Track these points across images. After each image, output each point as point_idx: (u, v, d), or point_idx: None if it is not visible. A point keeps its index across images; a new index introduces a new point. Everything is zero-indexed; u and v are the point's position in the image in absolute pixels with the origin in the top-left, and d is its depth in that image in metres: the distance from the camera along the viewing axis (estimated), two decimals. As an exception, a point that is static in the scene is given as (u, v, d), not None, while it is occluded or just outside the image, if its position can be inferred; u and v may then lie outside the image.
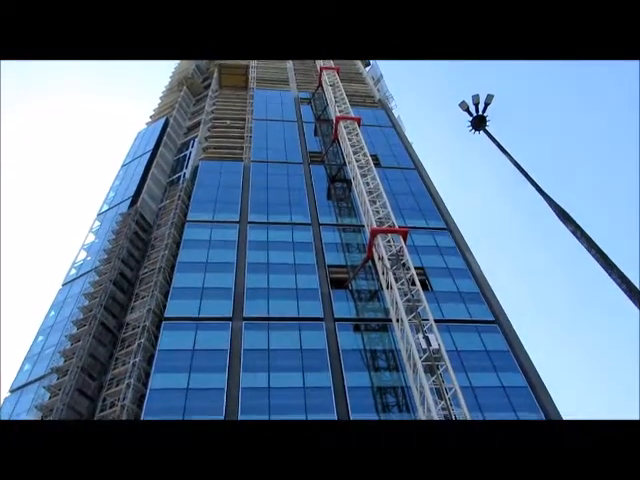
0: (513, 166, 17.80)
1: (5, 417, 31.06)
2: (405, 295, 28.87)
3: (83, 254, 45.10)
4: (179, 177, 49.93)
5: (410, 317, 27.39)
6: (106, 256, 38.46)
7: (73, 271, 43.32)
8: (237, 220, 41.63)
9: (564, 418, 28.08)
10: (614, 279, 12.89)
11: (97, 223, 48.85)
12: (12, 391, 33.33)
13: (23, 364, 35.22)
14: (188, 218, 42.04)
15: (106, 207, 50.72)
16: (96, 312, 32.70)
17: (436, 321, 27.32)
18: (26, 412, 29.82)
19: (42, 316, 39.22)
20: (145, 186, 46.96)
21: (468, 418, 22.85)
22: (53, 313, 38.85)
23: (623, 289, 12.61)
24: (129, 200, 46.62)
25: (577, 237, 14.98)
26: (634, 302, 12.08)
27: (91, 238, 47.00)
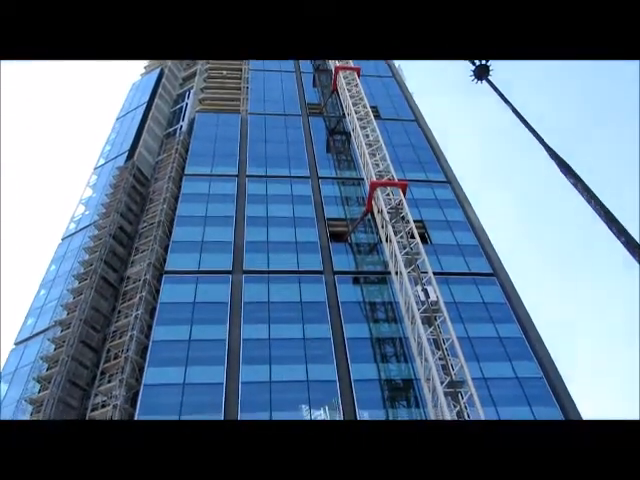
0: (516, 118, 17.46)
1: (11, 368, 31.76)
2: (404, 248, 28.96)
3: (82, 208, 44.93)
4: (176, 130, 49.08)
5: (409, 270, 27.57)
6: (105, 210, 38.32)
7: (72, 225, 43.25)
8: (235, 173, 41.24)
9: (557, 367, 28.77)
10: (613, 232, 12.88)
11: (94, 177, 48.40)
12: (17, 344, 33.93)
13: (26, 317, 35.71)
14: (186, 172, 41.62)
15: (103, 161, 50.11)
16: (97, 266, 32.88)
17: (435, 274, 27.52)
18: (32, 364, 30.45)
19: (43, 270, 39.53)
20: (141, 139, 46.23)
21: (464, 367, 23.37)
22: (54, 267, 39.07)
23: (622, 242, 12.62)
24: (126, 154, 46.00)
25: (578, 190, 14.86)
26: (633, 255, 12.10)
27: (89, 192, 46.70)
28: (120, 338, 29.10)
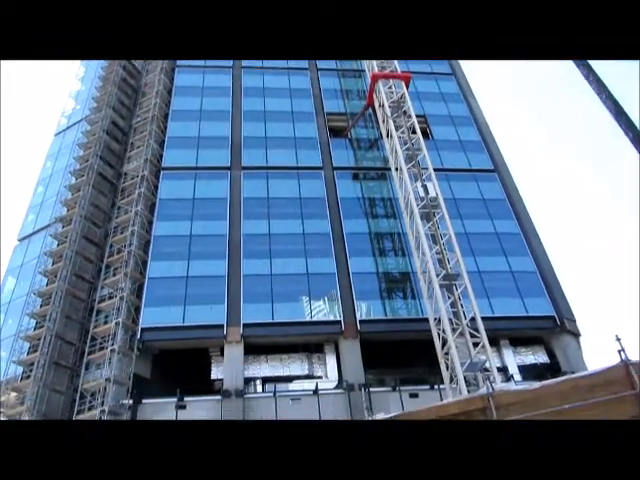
0: None
1: (17, 264, 32.42)
2: (405, 144, 28.35)
3: (72, 103, 43.29)
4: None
5: (409, 166, 27.21)
6: (96, 104, 36.94)
7: (64, 121, 41.94)
8: (230, 65, 39.26)
9: (551, 262, 29.47)
10: (621, 126, 12.44)
11: (82, 69, 46.07)
12: (20, 240, 34.37)
13: (27, 214, 35.84)
14: (177, 63, 39.60)
15: (89, 51, 47.33)
16: (93, 162, 32.38)
17: (435, 170, 27.19)
18: (36, 259, 31.01)
19: (39, 167, 39.00)
20: (129, 27, 43.32)
21: (460, 261, 23.89)
22: (49, 164, 38.48)
23: (630, 138, 12.24)
24: (114, 43, 43.31)
25: (589, 81, 14.15)
26: (638, 150, 11.79)
27: (78, 86, 44.71)
28: (122, 233, 29.40)
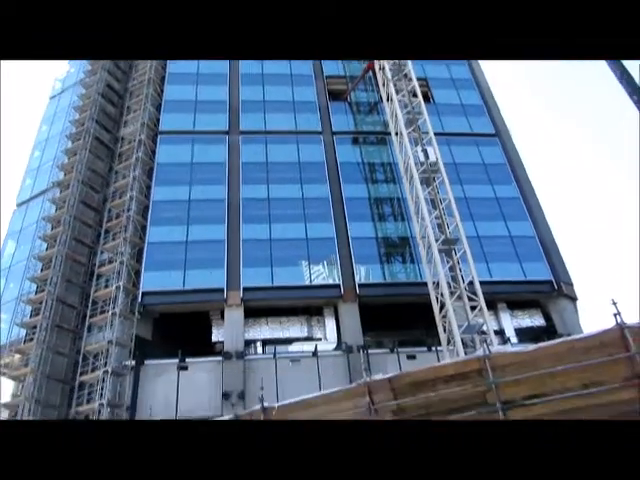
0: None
1: (16, 229, 32.38)
2: (405, 107, 27.97)
3: (66, 66, 42.42)
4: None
5: (409, 130, 26.92)
6: (90, 67, 36.22)
7: (58, 85, 41.22)
8: (227, 26, 38.31)
9: (551, 227, 29.51)
10: (627, 91, 12.26)
11: (76, 31, 44.95)
12: (19, 205, 34.23)
13: (24, 179, 35.60)
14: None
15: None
16: (89, 126, 31.94)
17: (436, 134, 26.92)
18: (35, 224, 30.95)
19: (34, 131, 38.51)
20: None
21: (459, 226, 23.92)
22: (45, 127, 37.99)
23: (634, 100, 12.08)
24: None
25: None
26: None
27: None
28: (120, 198, 29.25)
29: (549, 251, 28.09)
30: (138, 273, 26.33)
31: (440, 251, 23.41)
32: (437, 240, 23.58)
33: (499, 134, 33.46)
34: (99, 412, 21.84)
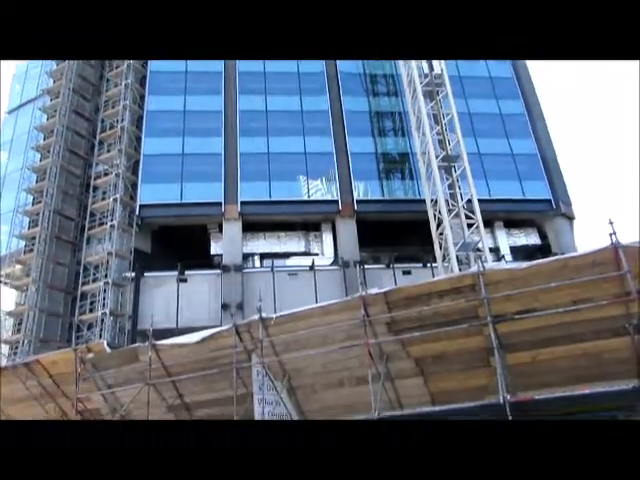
0: None
1: (7, 138, 31.62)
2: (411, 14, 26.35)
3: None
4: None
5: (415, 39, 25.54)
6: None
7: None
8: None
9: (554, 146, 28.94)
10: None
11: None
12: (9, 112, 33.25)
13: (12, 84, 34.31)
14: None
15: None
16: (76, 29, 30.22)
17: (442, 44, 25.53)
18: (27, 133, 30.21)
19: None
20: None
21: (461, 143, 23.42)
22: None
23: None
24: None
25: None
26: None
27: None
28: (113, 108, 28.32)
29: (550, 170, 27.73)
30: (135, 185, 26.11)
31: (440, 168, 23.11)
32: (437, 157, 23.20)
33: (508, 45, 31.83)
34: (102, 321, 22.57)
